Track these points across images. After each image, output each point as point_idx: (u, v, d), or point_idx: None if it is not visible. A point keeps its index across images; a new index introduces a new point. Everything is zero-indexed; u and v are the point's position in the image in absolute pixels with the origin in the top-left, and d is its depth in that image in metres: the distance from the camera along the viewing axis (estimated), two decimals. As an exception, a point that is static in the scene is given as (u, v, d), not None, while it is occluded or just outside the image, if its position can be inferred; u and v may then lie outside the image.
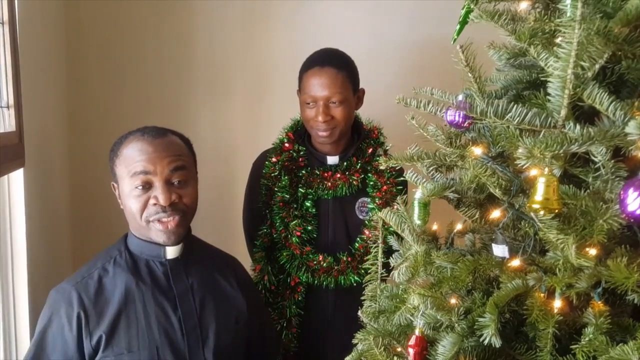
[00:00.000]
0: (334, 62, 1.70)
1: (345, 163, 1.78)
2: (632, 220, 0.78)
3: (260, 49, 2.40)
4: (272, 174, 1.78)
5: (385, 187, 1.76)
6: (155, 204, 1.31)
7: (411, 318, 1.05)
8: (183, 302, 1.37)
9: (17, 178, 1.54)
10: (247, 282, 1.57)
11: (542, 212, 0.85)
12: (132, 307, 1.33)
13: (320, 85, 1.67)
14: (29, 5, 1.65)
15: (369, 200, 1.78)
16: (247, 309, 1.47)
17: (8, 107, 1.44)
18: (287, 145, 1.80)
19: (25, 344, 1.57)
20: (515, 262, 0.95)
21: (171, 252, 1.38)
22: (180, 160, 1.34)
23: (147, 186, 1.31)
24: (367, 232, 1.74)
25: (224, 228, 2.43)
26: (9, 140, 1.41)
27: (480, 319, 0.88)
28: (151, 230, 1.34)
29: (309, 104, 1.70)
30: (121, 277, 1.35)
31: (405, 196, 1.25)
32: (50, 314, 1.32)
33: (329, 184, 1.76)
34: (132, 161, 1.31)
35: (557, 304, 0.88)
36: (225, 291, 1.46)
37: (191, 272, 1.41)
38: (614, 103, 0.81)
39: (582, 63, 0.81)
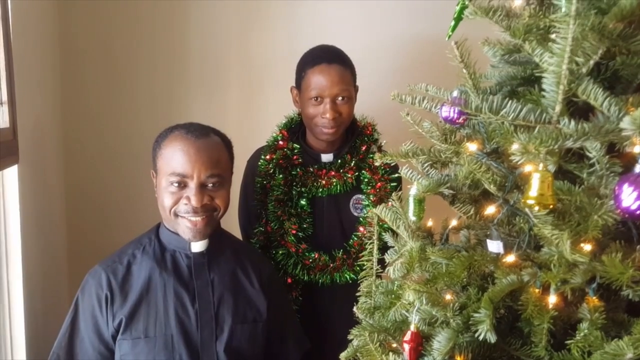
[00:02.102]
0: (340, 59, 1.70)
1: (339, 161, 1.78)
2: (626, 215, 0.78)
3: (254, 46, 2.40)
4: (267, 172, 1.78)
5: (379, 184, 1.76)
6: (186, 204, 1.36)
7: (406, 314, 1.05)
8: (202, 296, 1.41)
9: (11, 175, 1.54)
10: (273, 282, 1.58)
11: (536, 208, 0.85)
12: (153, 294, 1.39)
13: (329, 82, 1.66)
14: (22, 1, 1.64)
15: (363, 197, 1.78)
16: (267, 308, 1.49)
17: (2, 103, 1.44)
18: (281, 143, 1.80)
19: (20, 342, 1.57)
20: (510, 258, 0.95)
21: (196, 246, 1.44)
22: (218, 168, 1.39)
23: (182, 184, 1.36)
24: (362, 229, 1.75)
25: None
26: (3, 136, 1.40)
27: (476, 315, 0.88)
28: (179, 225, 1.39)
29: (315, 100, 1.69)
30: (147, 264, 1.42)
31: (400, 192, 1.25)
32: (82, 293, 1.41)
33: (323, 182, 1.76)
34: (173, 159, 1.36)
35: (552, 299, 0.89)
36: (245, 290, 1.48)
37: (214, 268, 1.46)
38: (608, 99, 0.81)
39: (577, 59, 0.81)
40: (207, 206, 1.37)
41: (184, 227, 1.38)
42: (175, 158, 1.36)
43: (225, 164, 1.44)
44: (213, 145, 1.41)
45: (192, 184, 1.35)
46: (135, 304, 1.38)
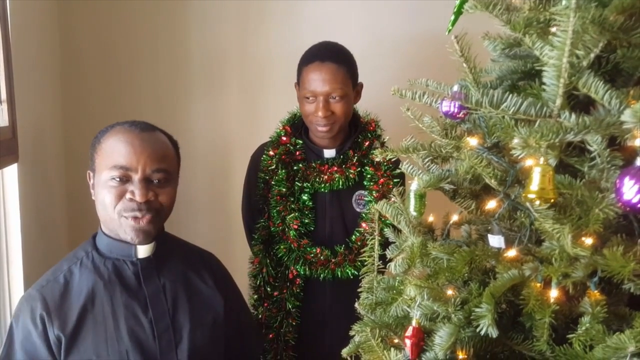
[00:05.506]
0: (334, 57, 1.69)
1: (341, 156, 1.78)
2: (628, 209, 0.78)
3: (255, 44, 2.39)
4: (270, 167, 1.78)
5: (382, 179, 1.76)
6: (131, 199, 1.26)
7: (408, 309, 1.05)
8: (154, 304, 1.32)
9: (11, 173, 1.54)
10: (225, 279, 1.52)
11: (537, 202, 0.85)
12: (100, 310, 1.27)
13: (321, 81, 1.66)
14: (21, 1, 1.64)
15: (365, 193, 1.78)
16: (224, 306, 1.42)
17: (1, 102, 1.44)
18: (284, 138, 1.80)
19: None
20: (512, 253, 0.95)
21: (143, 251, 1.33)
22: (164, 163, 1.30)
23: (124, 179, 1.26)
24: (364, 224, 1.75)
25: (221, 222, 2.43)
26: (3, 135, 1.40)
27: (477, 310, 0.88)
28: (121, 226, 1.28)
29: (308, 98, 1.69)
30: (88, 279, 1.30)
31: (401, 188, 1.25)
32: (17, 320, 1.27)
33: (326, 177, 1.76)
34: (115, 152, 1.26)
35: (554, 293, 0.88)
36: (200, 291, 1.41)
37: (163, 272, 1.36)
38: (609, 92, 0.80)
39: (577, 52, 0.81)
40: (151, 203, 1.27)
41: (127, 227, 1.27)
42: (117, 150, 1.25)
43: (172, 161, 1.34)
44: (159, 139, 1.31)
45: (136, 178, 1.25)
46: (78, 322, 1.25)
